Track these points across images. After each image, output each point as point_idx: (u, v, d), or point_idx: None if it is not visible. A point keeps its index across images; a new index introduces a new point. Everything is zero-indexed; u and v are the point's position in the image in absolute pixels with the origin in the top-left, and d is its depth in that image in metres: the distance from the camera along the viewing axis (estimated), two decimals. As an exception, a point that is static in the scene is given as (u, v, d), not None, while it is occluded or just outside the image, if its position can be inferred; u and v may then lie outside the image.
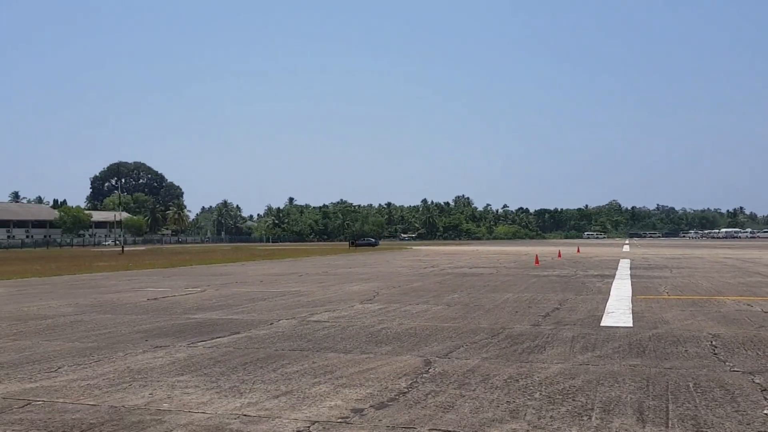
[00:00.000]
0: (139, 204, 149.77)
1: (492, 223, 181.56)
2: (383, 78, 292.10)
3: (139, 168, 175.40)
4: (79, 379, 5.48)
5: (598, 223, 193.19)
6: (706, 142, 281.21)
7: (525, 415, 4.26)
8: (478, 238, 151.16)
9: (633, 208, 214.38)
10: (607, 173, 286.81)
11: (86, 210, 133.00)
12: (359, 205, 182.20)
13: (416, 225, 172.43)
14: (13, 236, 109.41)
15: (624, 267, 22.30)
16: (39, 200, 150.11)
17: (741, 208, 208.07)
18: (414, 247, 67.38)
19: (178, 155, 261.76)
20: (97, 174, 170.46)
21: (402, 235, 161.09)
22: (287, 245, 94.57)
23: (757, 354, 6.26)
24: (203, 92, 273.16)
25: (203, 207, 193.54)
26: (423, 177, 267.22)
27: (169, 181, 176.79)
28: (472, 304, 10.96)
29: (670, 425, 4.02)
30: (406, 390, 4.96)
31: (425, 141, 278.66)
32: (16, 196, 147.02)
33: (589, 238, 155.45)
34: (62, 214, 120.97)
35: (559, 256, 33.29)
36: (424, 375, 5.47)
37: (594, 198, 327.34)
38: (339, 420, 4.22)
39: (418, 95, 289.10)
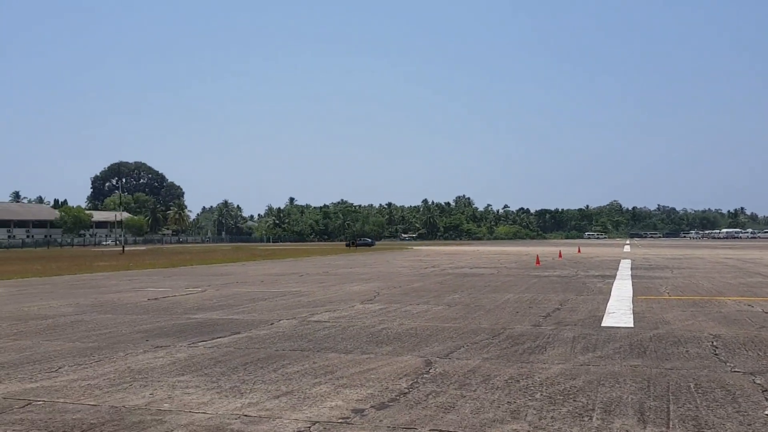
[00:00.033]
0: (139, 204, 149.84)
1: (493, 223, 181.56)
2: (383, 78, 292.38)
3: (140, 168, 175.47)
4: (80, 379, 5.48)
5: (599, 223, 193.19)
6: (706, 143, 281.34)
7: (526, 415, 4.26)
8: (479, 239, 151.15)
9: (634, 208, 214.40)
10: (608, 173, 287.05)
11: (87, 210, 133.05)
12: (360, 205, 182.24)
13: (417, 225, 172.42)
14: (14, 236, 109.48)
15: (625, 267, 22.29)
16: (40, 200, 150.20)
17: (742, 208, 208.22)
18: (414, 248, 67.37)
19: (178, 155, 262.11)
20: (98, 174, 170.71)
21: (402, 235, 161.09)
22: (288, 245, 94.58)
23: (758, 354, 6.25)
24: (204, 92, 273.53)
25: (204, 207, 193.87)
26: (423, 177, 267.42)
27: (169, 181, 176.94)
28: (472, 304, 10.96)
29: (671, 426, 4.01)
30: (406, 390, 4.96)
31: (426, 141, 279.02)
32: (16, 196, 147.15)
33: (589, 238, 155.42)
34: (63, 214, 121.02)
35: (560, 256, 33.28)
36: (425, 375, 5.46)
37: (595, 198, 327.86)
38: (340, 420, 4.21)
39: (418, 95, 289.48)
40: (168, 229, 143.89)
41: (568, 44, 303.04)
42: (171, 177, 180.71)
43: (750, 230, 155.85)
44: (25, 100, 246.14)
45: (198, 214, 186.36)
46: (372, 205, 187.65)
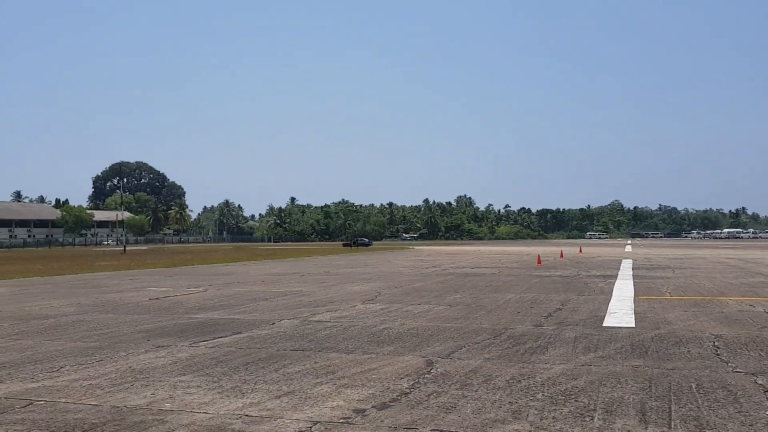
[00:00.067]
0: (141, 204, 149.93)
1: (494, 223, 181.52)
2: (383, 78, 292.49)
3: (141, 168, 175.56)
4: (81, 379, 5.48)
5: (601, 223, 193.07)
6: (708, 143, 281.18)
7: (527, 415, 4.26)
8: (480, 238, 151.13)
9: (635, 208, 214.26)
10: (610, 173, 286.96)
11: (88, 209, 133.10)
12: (361, 205, 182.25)
13: (418, 225, 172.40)
14: (15, 236, 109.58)
15: (626, 267, 22.27)
16: (41, 200, 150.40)
17: (743, 208, 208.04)
18: (416, 247, 67.36)
19: (179, 155, 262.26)
20: (99, 174, 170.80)
21: (404, 235, 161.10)
22: (289, 245, 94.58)
23: (760, 355, 6.25)
24: (205, 92, 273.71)
25: (205, 207, 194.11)
26: (424, 177, 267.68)
27: (170, 180, 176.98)
28: (474, 304, 10.95)
29: (672, 426, 4.01)
30: (408, 390, 4.95)
31: (426, 141, 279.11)
32: (18, 196, 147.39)
33: (591, 238, 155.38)
34: (64, 213, 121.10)
35: (562, 256, 33.26)
36: (426, 375, 5.46)
37: (596, 198, 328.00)
38: (341, 420, 4.21)
39: (418, 95, 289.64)
40: (169, 228, 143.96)
41: (569, 44, 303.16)
42: (172, 177, 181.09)
43: (751, 230, 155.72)
44: (26, 99, 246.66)
45: (199, 214, 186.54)
46: (373, 204, 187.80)
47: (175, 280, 17.94)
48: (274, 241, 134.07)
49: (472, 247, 62.61)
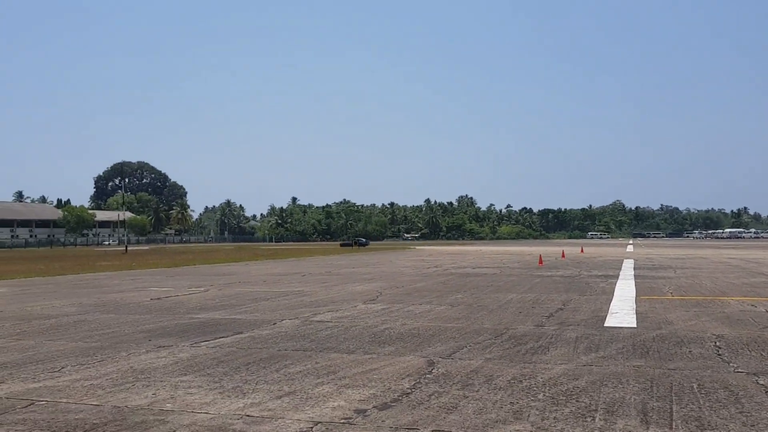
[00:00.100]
0: (142, 204, 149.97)
1: (495, 223, 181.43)
2: (383, 78, 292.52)
3: (143, 168, 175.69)
4: (83, 379, 5.49)
5: (602, 223, 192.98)
6: (709, 142, 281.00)
7: (528, 416, 4.25)
8: (482, 238, 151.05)
9: (637, 208, 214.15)
10: (611, 173, 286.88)
11: (90, 210, 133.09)
12: (362, 205, 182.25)
13: (419, 225, 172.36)
14: (17, 236, 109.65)
15: (628, 267, 22.26)
16: (43, 200, 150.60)
17: (745, 208, 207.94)
18: (417, 247, 67.35)
19: (181, 155, 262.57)
20: (101, 174, 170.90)
21: (405, 235, 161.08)
22: (290, 245, 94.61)
23: (761, 355, 6.24)
24: (206, 92, 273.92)
25: (206, 207, 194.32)
26: (426, 177, 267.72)
27: (172, 180, 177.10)
28: (475, 304, 10.95)
29: (674, 426, 4.00)
30: (409, 391, 4.95)
31: (427, 141, 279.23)
32: (20, 196, 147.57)
33: (592, 238, 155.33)
34: (66, 213, 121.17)
35: (563, 256, 33.24)
36: (428, 376, 5.46)
37: (598, 198, 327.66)
38: (342, 421, 4.21)
39: (418, 95, 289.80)
40: (171, 228, 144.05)
41: (568, 44, 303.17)
42: (174, 177, 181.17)
43: (753, 230, 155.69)
44: (28, 100, 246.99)
45: (201, 214, 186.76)
46: (374, 204, 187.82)
47: (176, 280, 17.95)
48: (275, 241, 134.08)
49: (473, 247, 62.60)
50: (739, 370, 5.57)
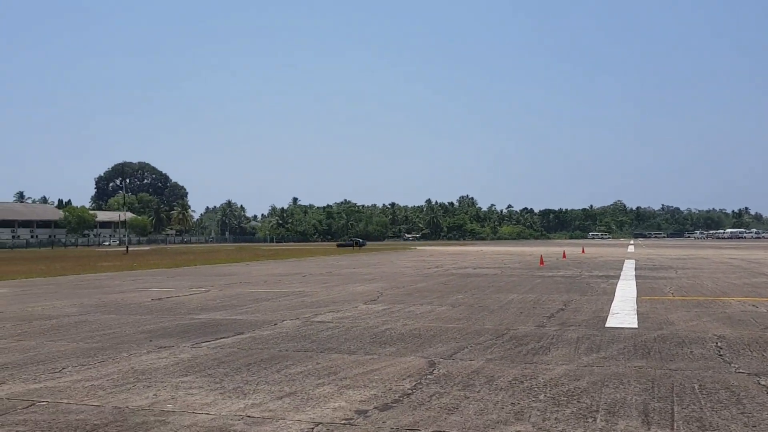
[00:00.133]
0: (143, 204, 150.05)
1: (496, 223, 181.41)
2: (384, 78, 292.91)
3: (144, 168, 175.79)
4: (84, 380, 5.49)
5: (603, 223, 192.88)
6: (710, 142, 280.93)
7: (530, 416, 4.25)
8: (483, 239, 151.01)
9: (638, 208, 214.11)
10: (612, 173, 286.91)
11: (91, 210, 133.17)
12: (363, 205, 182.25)
13: (420, 225, 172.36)
14: (18, 236, 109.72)
15: (629, 267, 22.24)
16: (44, 200, 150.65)
17: (746, 208, 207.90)
18: (418, 248, 67.32)
19: (182, 155, 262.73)
20: (102, 174, 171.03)
21: (406, 235, 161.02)
22: (291, 245, 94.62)
23: (763, 355, 6.23)
24: (207, 92, 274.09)
25: (207, 207, 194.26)
26: (426, 177, 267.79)
27: (173, 181, 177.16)
28: (476, 305, 10.94)
29: (675, 427, 4.00)
30: (410, 391, 4.95)
31: (427, 141, 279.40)
32: (21, 196, 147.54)
33: (593, 238, 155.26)
34: (67, 214, 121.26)
35: (564, 256, 33.23)
36: (429, 376, 5.45)
37: (599, 198, 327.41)
38: (343, 421, 4.21)
39: (418, 95, 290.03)
40: (171, 229, 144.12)
41: (568, 44, 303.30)
42: (174, 177, 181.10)
43: (754, 230, 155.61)
44: (28, 100, 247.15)
45: (201, 214, 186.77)
46: (375, 205, 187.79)
47: (177, 281, 17.95)
48: (276, 242, 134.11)
49: (474, 248, 62.57)
50: (741, 370, 5.57)
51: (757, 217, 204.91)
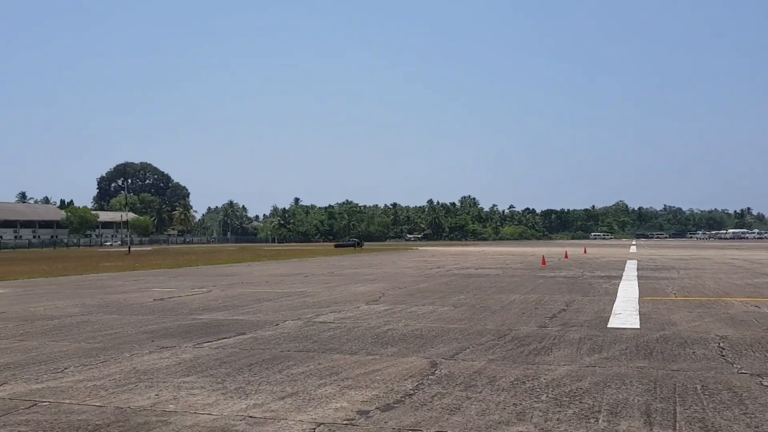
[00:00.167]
0: (145, 204, 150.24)
1: (498, 223, 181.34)
2: (384, 78, 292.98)
3: (146, 168, 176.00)
4: (86, 380, 5.49)
5: (605, 223, 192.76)
6: (710, 143, 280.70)
7: (532, 417, 4.25)
8: (485, 239, 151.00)
9: (640, 208, 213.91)
10: (614, 174, 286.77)
11: (93, 210, 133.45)
12: (365, 206, 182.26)
13: (422, 225, 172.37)
14: (20, 236, 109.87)
15: (631, 268, 22.22)
16: (46, 200, 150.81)
17: (748, 208, 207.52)
18: (420, 248, 67.31)
19: (184, 156, 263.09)
20: (104, 174, 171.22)
21: (408, 235, 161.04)
22: (293, 246, 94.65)
23: (765, 356, 6.22)
24: (208, 93, 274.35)
25: (209, 207, 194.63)
26: (427, 177, 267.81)
27: (175, 181, 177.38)
28: (478, 305, 10.94)
29: (677, 428, 3.99)
30: (412, 392, 4.95)
31: (428, 141, 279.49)
32: (23, 197, 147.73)
33: (596, 238, 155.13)
34: (69, 214, 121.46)
35: (566, 256, 33.21)
36: (430, 377, 5.45)
37: (601, 198, 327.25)
38: (344, 422, 4.21)
39: (418, 95, 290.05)
40: (173, 229, 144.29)
41: (568, 44, 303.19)
42: (176, 177, 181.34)
43: (757, 230, 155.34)
44: (30, 100, 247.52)
45: (203, 215, 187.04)
46: (377, 205, 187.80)
47: (179, 281, 17.97)
48: (278, 242, 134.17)
49: (476, 248, 62.55)
50: (743, 371, 5.56)
51: (760, 218, 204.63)
